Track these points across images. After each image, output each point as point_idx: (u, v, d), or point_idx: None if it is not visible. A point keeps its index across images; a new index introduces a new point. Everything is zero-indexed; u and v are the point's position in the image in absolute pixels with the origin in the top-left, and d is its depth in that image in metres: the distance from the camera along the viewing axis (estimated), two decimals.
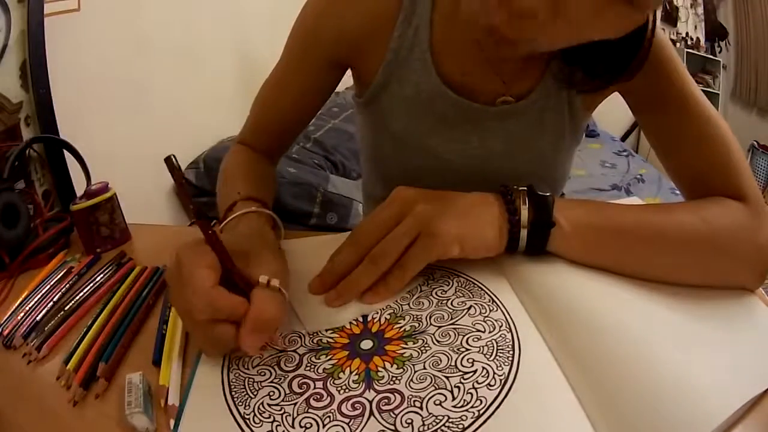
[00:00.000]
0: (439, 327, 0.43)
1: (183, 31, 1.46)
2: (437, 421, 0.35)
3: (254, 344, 0.38)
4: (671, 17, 2.97)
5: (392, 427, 0.34)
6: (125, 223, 0.68)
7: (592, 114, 0.66)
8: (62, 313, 0.51)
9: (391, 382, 0.38)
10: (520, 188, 0.48)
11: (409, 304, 0.46)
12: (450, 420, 0.34)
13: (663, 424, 0.32)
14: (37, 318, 0.51)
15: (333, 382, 0.39)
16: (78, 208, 0.63)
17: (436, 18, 0.56)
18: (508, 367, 0.38)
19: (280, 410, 0.37)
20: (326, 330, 0.44)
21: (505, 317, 0.43)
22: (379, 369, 0.39)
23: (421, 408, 0.36)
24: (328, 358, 0.41)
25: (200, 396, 0.39)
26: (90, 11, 1.08)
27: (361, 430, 0.35)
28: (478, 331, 0.42)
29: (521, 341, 0.41)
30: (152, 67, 1.33)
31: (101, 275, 0.58)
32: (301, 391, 0.38)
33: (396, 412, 0.36)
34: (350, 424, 0.35)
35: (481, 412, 0.35)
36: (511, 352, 0.40)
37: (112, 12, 1.18)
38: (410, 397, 0.37)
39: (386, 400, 0.37)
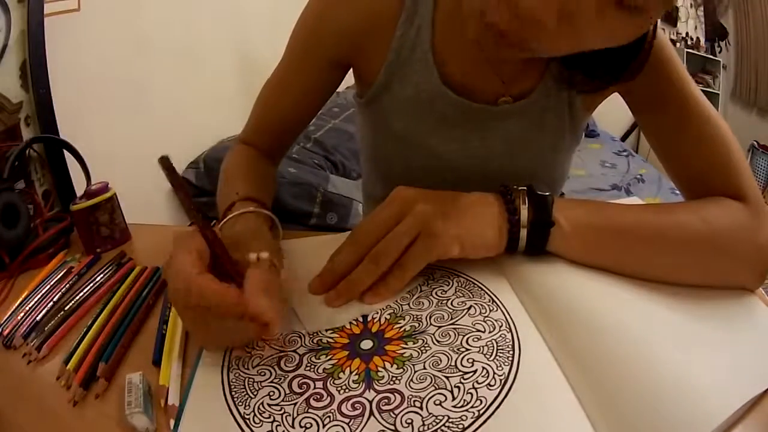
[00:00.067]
0: (439, 327, 0.43)
1: (183, 31, 1.46)
2: (437, 421, 0.35)
3: (265, 308, 0.37)
4: (671, 17, 2.97)
5: (392, 427, 0.34)
6: (125, 223, 0.68)
7: (592, 114, 0.66)
8: (62, 313, 0.51)
9: (391, 382, 0.38)
10: (520, 188, 0.48)
11: (409, 304, 0.46)
12: (450, 420, 0.34)
13: (663, 424, 0.32)
14: (37, 318, 0.51)
15: (333, 382, 0.39)
16: (78, 208, 0.63)
17: (437, 18, 0.56)
18: (508, 367, 0.38)
19: (280, 410, 0.37)
20: (326, 330, 0.44)
21: (505, 317, 0.43)
22: (379, 369, 0.39)
23: (421, 408, 0.36)
24: (328, 358, 0.41)
25: (200, 396, 0.39)
26: (90, 11, 1.08)
27: (361, 430, 0.35)
28: (478, 331, 0.42)
29: (521, 341, 0.41)
30: (152, 67, 1.33)
31: (101, 275, 0.58)
32: (301, 391, 0.38)
33: (396, 412, 0.36)
34: (350, 424, 0.35)
35: (481, 412, 0.35)
36: (511, 352, 0.40)
37: (112, 12, 1.18)
38: (410, 397, 0.37)
39: (386, 400, 0.36)
